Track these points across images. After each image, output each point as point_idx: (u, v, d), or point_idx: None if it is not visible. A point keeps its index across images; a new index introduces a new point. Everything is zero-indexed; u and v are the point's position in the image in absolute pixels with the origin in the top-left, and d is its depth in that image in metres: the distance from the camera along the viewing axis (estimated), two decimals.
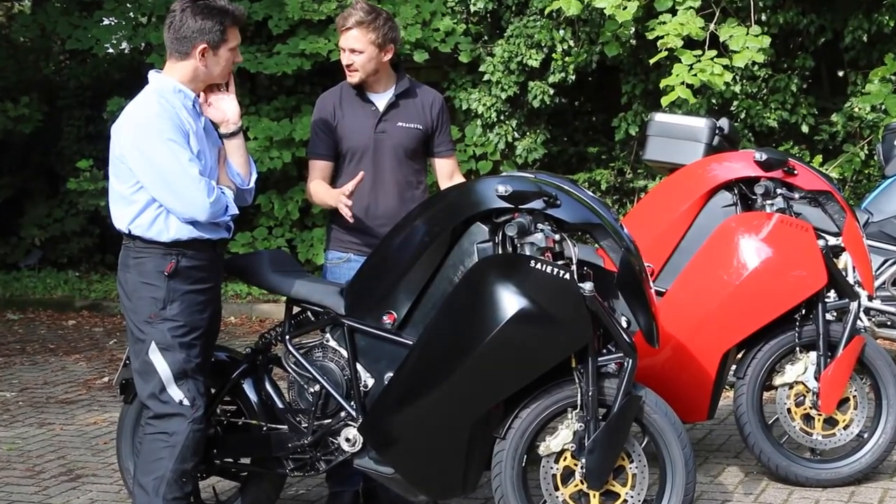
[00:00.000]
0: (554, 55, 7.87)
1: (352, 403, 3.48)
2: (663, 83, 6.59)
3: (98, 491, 4.35)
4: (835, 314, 4.22)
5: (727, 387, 4.35)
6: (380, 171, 3.92)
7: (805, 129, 7.67)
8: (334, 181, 3.96)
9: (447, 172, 4.07)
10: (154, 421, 3.35)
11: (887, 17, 7.19)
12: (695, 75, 6.46)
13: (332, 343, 3.55)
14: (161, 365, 3.33)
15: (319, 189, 3.93)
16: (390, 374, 3.41)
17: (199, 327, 3.39)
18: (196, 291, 3.39)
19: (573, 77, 7.92)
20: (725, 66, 6.56)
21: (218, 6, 3.38)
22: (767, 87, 7.69)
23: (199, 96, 3.45)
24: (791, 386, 4.12)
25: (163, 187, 3.31)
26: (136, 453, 3.57)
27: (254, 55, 9.02)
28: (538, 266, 3.17)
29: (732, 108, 7.63)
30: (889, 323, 5.32)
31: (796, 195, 4.16)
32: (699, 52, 6.65)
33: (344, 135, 3.94)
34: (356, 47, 3.89)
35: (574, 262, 3.22)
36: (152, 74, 3.47)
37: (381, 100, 3.97)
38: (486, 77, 8.13)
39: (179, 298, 3.35)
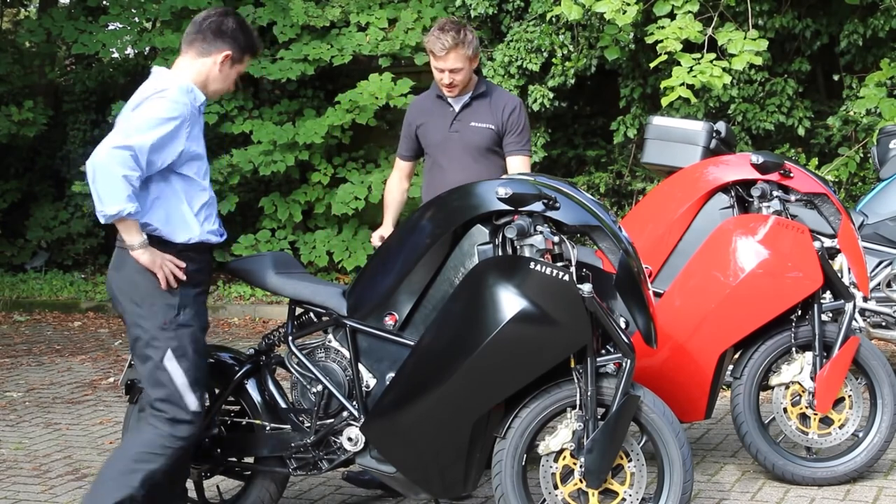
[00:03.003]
0: (553, 59, 7.92)
1: (354, 403, 3.51)
2: (663, 84, 6.64)
3: None
4: (830, 315, 4.23)
5: (724, 387, 4.38)
6: (456, 168, 4.16)
7: (801, 132, 7.72)
8: (412, 178, 4.52)
9: (513, 171, 4.21)
10: (166, 423, 3.33)
11: (882, 22, 7.24)
12: (694, 77, 6.50)
13: (335, 344, 3.59)
14: (177, 372, 3.31)
15: (388, 194, 4.51)
16: (392, 375, 3.44)
17: (204, 331, 3.43)
18: (200, 294, 3.42)
19: (572, 81, 7.96)
20: (724, 69, 6.61)
21: (251, 29, 3.49)
22: (764, 91, 7.74)
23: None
24: (787, 386, 4.15)
25: (115, 138, 3.22)
26: (131, 431, 3.50)
27: (257, 60, 9.07)
28: (538, 267, 3.20)
29: (729, 112, 7.68)
30: (884, 324, 5.34)
31: (792, 197, 4.18)
32: (698, 55, 6.70)
33: (423, 134, 4.29)
34: (457, 67, 4.16)
35: (573, 263, 3.24)
36: (160, 69, 3.46)
37: (458, 102, 4.25)
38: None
39: (191, 303, 3.36)
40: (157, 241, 3.31)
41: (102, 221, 3.26)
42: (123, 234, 3.28)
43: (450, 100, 4.26)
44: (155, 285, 3.31)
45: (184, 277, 3.33)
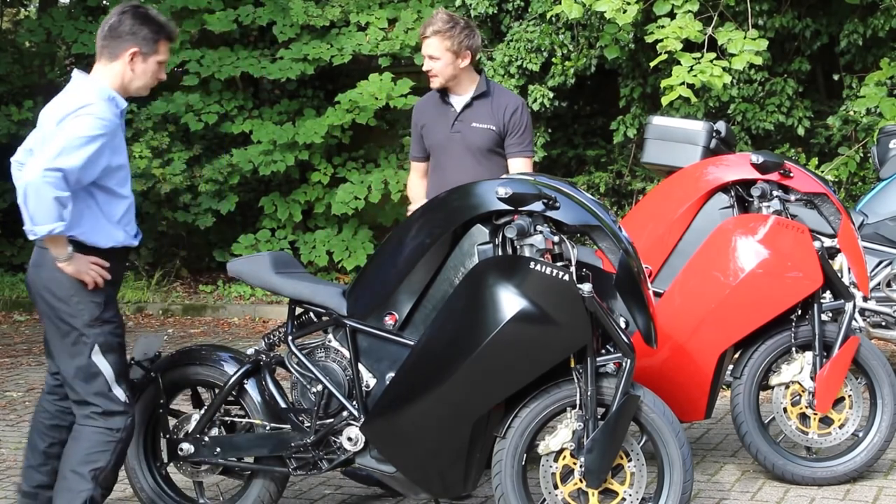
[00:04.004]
0: (553, 59, 7.92)
1: (354, 403, 3.51)
2: (664, 84, 6.64)
3: None
4: (830, 315, 4.24)
5: (724, 386, 4.38)
6: (457, 168, 4.16)
7: (801, 132, 7.72)
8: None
9: (514, 172, 4.17)
10: (99, 418, 3.46)
11: (882, 22, 7.24)
12: (695, 76, 6.51)
13: (335, 344, 3.59)
14: (104, 366, 3.45)
15: (411, 192, 4.50)
16: (392, 375, 3.45)
17: (122, 327, 3.58)
18: (115, 294, 3.59)
19: (572, 81, 7.96)
20: (724, 69, 6.61)
21: (154, 16, 3.54)
22: (764, 91, 7.74)
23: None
24: (787, 385, 4.15)
25: (44, 157, 3.29)
26: (70, 440, 3.57)
27: (257, 60, 9.07)
28: (538, 267, 3.20)
29: (729, 112, 7.68)
30: (884, 323, 5.35)
31: (792, 197, 4.19)
32: (698, 54, 6.70)
33: (426, 134, 4.31)
34: (433, 54, 4.18)
35: (573, 263, 3.25)
36: (80, 75, 3.54)
37: (460, 102, 4.24)
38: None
39: (112, 302, 3.53)
40: (83, 247, 3.44)
41: (31, 238, 3.41)
42: (51, 248, 3.41)
43: (451, 100, 4.25)
44: (80, 284, 3.44)
45: (109, 277, 3.47)
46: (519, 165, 4.24)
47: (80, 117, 3.37)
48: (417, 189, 4.45)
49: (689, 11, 6.82)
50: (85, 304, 3.44)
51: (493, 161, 4.23)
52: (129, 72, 3.49)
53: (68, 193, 3.31)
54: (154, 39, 3.50)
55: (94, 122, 3.36)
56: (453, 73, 4.21)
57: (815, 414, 4.13)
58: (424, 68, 4.24)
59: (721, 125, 4.60)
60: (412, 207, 4.33)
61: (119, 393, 3.48)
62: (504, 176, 3.74)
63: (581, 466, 3.32)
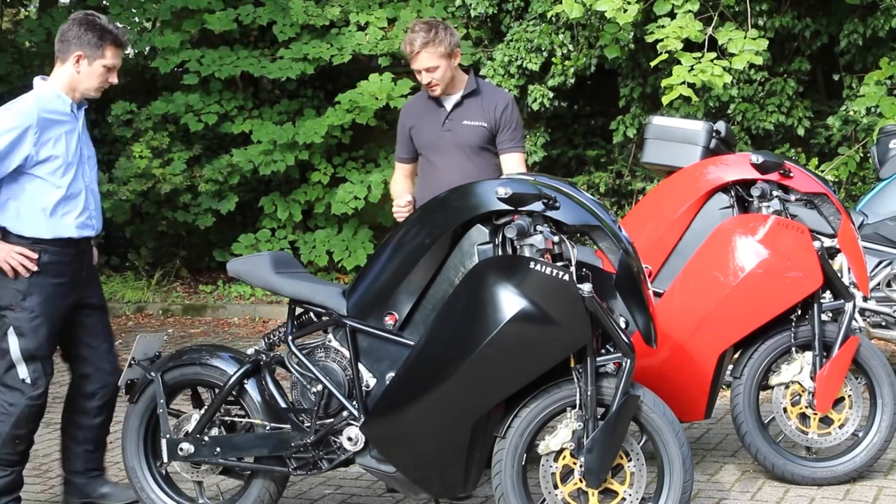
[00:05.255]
0: (553, 59, 7.93)
1: (354, 403, 3.51)
2: (664, 83, 6.64)
3: None
4: (830, 315, 4.24)
5: (724, 386, 4.38)
6: (449, 167, 4.17)
7: (801, 132, 7.73)
8: (415, 177, 4.46)
9: (508, 168, 4.22)
10: (3, 389, 3.80)
11: (882, 22, 7.24)
12: (695, 76, 6.51)
13: (335, 343, 3.60)
14: (14, 346, 3.76)
15: (394, 188, 4.47)
16: (392, 375, 3.45)
17: (54, 316, 3.80)
18: (59, 285, 3.80)
19: (572, 81, 7.97)
20: (724, 69, 6.62)
21: (100, 24, 3.86)
22: (764, 91, 7.75)
23: (80, 104, 3.86)
24: (787, 385, 4.15)
25: None
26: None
27: (257, 59, 9.08)
28: (537, 267, 3.20)
29: (729, 112, 7.69)
30: (884, 323, 5.35)
31: (792, 197, 4.19)
32: (699, 54, 6.71)
33: (415, 135, 4.30)
34: (430, 65, 4.18)
35: (573, 263, 3.25)
36: (37, 81, 3.87)
37: (450, 101, 4.25)
38: (486, 81, 8.17)
39: (38, 291, 3.75)
40: (9, 235, 3.74)
41: None
42: None
43: (443, 99, 4.26)
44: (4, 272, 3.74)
45: (34, 268, 3.73)
46: (512, 160, 4.25)
47: (1, 112, 3.74)
48: (400, 185, 4.46)
49: (690, 11, 6.83)
50: (7, 289, 3.74)
51: (485, 158, 4.25)
52: (76, 74, 3.82)
53: None
54: (97, 45, 3.81)
55: (10, 116, 3.70)
56: (451, 75, 4.23)
57: (815, 414, 4.13)
58: (423, 82, 4.23)
59: (721, 125, 4.60)
60: (397, 202, 4.33)
61: (21, 371, 3.77)
62: (504, 176, 3.74)
63: (581, 466, 3.32)
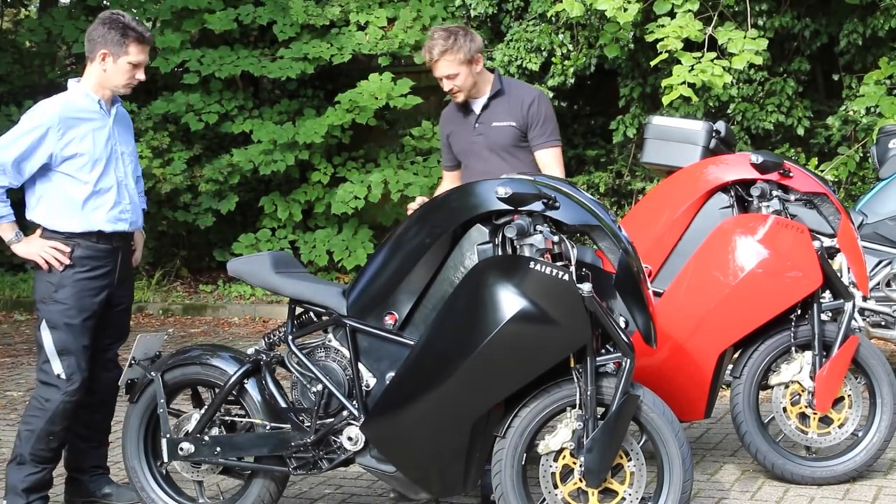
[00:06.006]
0: (553, 59, 7.93)
1: (354, 403, 3.52)
2: (665, 83, 6.65)
3: None
4: (830, 314, 4.24)
5: (724, 386, 4.39)
6: (485, 171, 4.11)
7: (801, 131, 7.73)
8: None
9: (543, 164, 4.18)
10: (40, 385, 3.86)
11: (882, 21, 7.25)
12: (695, 75, 6.51)
13: (335, 343, 3.60)
14: (47, 340, 3.81)
15: None
16: (392, 374, 3.45)
17: (88, 310, 3.83)
18: (92, 279, 3.85)
19: (572, 80, 7.98)
20: (724, 68, 6.62)
21: (124, 22, 3.91)
22: (764, 91, 7.75)
23: (109, 102, 3.92)
24: (787, 385, 4.15)
25: None
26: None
27: (257, 59, 9.08)
28: (537, 267, 3.20)
29: (729, 111, 7.69)
30: (883, 323, 5.35)
31: (792, 197, 4.19)
32: (699, 54, 6.71)
33: (453, 142, 4.32)
34: (450, 73, 4.16)
35: (573, 263, 3.25)
36: (71, 82, 3.95)
37: (479, 104, 4.24)
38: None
39: (71, 284, 3.81)
40: (44, 231, 3.85)
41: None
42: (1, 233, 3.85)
43: (471, 103, 4.23)
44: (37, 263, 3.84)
45: (67, 261, 3.81)
46: (548, 157, 4.19)
47: (27, 114, 3.84)
48: None
49: (689, 11, 6.84)
50: (40, 282, 3.84)
51: (519, 157, 4.19)
52: (102, 72, 3.89)
53: (6, 183, 3.78)
54: (121, 42, 3.86)
55: (32, 117, 3.80)
56: (473, 81, 4.18)
57: (815, 413, 4.13)
58: (446, 89, 4.20)
59: (721, 125, 4.60)
60: (412, 205, 4.32)
61: (56, 366, 3.80)
62: (504, 176, 3.74)
63: (581, 466, 3.32)
